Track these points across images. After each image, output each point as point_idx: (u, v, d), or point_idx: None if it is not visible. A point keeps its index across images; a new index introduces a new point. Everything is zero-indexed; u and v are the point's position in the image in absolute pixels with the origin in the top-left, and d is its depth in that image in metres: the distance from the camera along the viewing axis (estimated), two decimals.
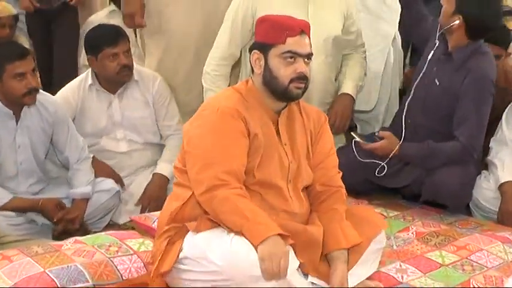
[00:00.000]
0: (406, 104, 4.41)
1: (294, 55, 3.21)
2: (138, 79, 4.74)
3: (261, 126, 3.25)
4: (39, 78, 4.32)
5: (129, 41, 4.67)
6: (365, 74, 4.79)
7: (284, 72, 3.21)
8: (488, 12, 4.16)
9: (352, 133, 4.47)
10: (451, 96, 4.24)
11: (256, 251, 2.96)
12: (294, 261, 3.09)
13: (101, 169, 4.64)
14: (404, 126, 4.30)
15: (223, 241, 3.06)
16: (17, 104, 4.19)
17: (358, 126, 5.43)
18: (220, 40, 4.54)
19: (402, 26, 5.06)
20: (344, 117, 4.62)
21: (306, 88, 3.28)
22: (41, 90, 4.29)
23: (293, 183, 3.35)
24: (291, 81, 3.22)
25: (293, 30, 3.22)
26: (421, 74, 4.34)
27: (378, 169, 4.30)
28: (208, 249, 3.09)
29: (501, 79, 4.75)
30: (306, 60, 3.25)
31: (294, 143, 3.37)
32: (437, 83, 4.30)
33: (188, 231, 3.20)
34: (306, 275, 3.25)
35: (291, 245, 3.11)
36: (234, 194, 3.07)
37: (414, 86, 4.38)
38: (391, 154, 4.26)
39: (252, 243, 2.98)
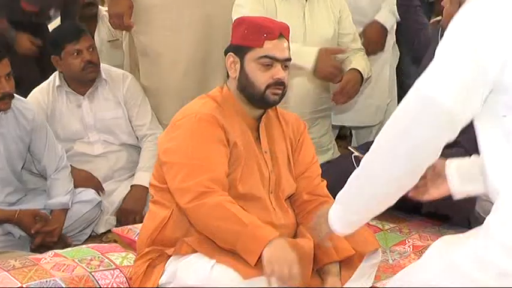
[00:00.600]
0: None
1: (271, 60, 3.12)
2: (107, 78, 4.71)
3: (240, 135, 3.17)
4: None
5: (92, 38, 4.68)
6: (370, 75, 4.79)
7: (261, 78, 3.12)
8: None
9: (350, 148, 4.48)
10: None
11: (261, 256, 2.83)
12: None
13: (79, 176, 4.54)
14: None
15: (203, 268, 2.97)
16: None
17: (353, 132, 5.51)
18: None
19: (400, 35, 5.08)
20: (352, 93, 4.60)
21: (283, 94, 3.19)
22: (19, 96, 4.22)
23: (274, 193, 3.27)
24: (268, 86, 3.12)
25: (271, 33, 3.12)
26: None
27: None
28: (187, 277, 3.02)
29: None
30: (284, 65, 3.15)
31: (274, 151, 3.29)
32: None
33: (170, 255, 3.14)
34: None
35: None
36: (226, 201, 2.97)
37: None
38: None
39: (252, 252, 2.85)
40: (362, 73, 4.59)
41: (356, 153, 4.26)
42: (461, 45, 2.10)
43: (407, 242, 4.06)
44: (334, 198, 2.89)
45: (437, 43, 4.24)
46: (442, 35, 4.18)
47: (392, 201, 2.28)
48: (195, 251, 3.02)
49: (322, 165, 3.58)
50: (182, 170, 3.02)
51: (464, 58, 2.09)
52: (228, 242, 2.92)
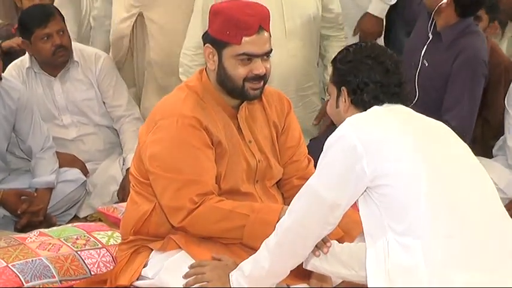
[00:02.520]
0: None
1: (249, 57, 3.00)
2: (79, 59, 4.65)
3: (222, 129, 3.09)
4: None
5: (63, 20, 4.57)
6: None
7: (239, 73, 3.01)
8: None
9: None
10: (441, 77, 4.24)
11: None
12: None
13: (63, 159, 4.54)
14: None
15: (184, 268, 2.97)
16: None
17: None
18: (193, 28, 4.47)
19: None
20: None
21: (264, 86, 3.09)
22: (5, 76, 4.20)
23: (261, 183, 3.21)
24: (245, 80, 3.02)
25: (250, 28, 2.96)
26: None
27: None
28: (171, 280, 3.01)
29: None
30: (264, 57, 3.04)
31: (258, 139, 3.21)
32: (426, 64, 4.27)
33: (155, 244, 3.14)
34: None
35: None
36: (216, 201, 2.96)
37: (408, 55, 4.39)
38: None
39: (264, 236, 2.82)
40: None
41: None
42: (336, 151, 2.57)
43: None
44: None
45: (425, 18, 4.26)
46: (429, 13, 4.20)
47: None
48: (179, 248, 3.01)
49: (308, 146, 3.55)
50: (171, 186, 2.97)
51: (340, 158, 2.54)
52: (234, 237, 2.95)
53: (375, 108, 2.65)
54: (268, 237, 2.76)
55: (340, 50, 4.47)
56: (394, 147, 2.49)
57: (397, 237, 2.43)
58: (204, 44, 3.07)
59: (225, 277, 2.84)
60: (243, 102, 3.15)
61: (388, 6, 4.86)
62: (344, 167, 2.53)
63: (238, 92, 3.05)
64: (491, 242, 2.48)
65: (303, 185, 3.16)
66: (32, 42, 4.44)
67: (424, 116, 2.72)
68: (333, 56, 4.16)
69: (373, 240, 2.53)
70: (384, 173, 2.48)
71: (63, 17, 4.56)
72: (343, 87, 2.72)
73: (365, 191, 2.55)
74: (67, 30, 4.56)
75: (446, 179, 2.52)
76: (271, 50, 3.06)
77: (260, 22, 2.98)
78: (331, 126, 4.20)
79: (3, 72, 4.21)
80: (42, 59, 4.52)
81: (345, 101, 2.72)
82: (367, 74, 2.69)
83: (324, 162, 2.60)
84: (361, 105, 2.69)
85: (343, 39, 4.76)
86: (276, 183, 3.29)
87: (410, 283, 2.37)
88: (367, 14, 4.90)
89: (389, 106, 2.66)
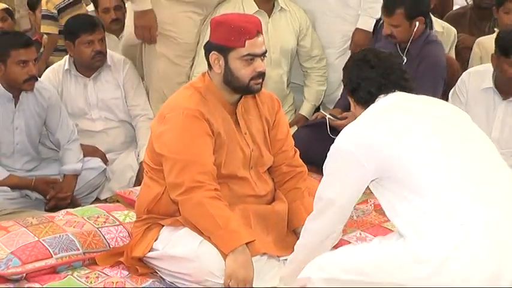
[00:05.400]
0: None
1: (253, 56, 3.18)
2: (110, 64, 4.81)
3: (222, 123, 3.25)
4: None
5: (104, 31, 4.72)
6: (325, 86, 5.15)
7: (245, 72, 3.18)
8: None
9: (321, 111, 4.60)
10: None
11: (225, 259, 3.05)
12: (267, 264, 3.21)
13: (86, 150, 4.66)
14: None
15: (192, 243, 3.12)
16: (17, 89, 4.20)
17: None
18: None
19: None
20: None
21: (262, 81, 3.28)
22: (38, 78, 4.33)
23: (255, 169, 3.37)
24: (252, 79, 3.20)
25: (250, 33, 3.16)
26: None
27: None
28: (176, 249, 3.16)
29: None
30: (262, 58, 3.23)
31: (252, 132, 3.37)
32: None
33: (165, 221, 3.26)
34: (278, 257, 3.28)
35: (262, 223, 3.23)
36: (208, 197, 3.09)
37: None
38: None
39: (222, 248, 3.05)
40: (307, 117, 5.08)
41: (328, 116, 4.42)
42: (336, 160, 2.77)
43: (369, 201, 4.06)
44: (305, 162, 3.40)
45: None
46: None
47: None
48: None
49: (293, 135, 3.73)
50: (175, 165, 3.12)
51: (343, 165, 2.73)
52: (205, 234, 3.10)
53: (368, 109, 2.82)
54: (225, 252, 3.01)
55: (319, 79, 4.85)
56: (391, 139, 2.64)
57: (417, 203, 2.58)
58: (209, 52, 3.22)
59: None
60: (240, 100, 3.31)
61: (375, 20, 4.93)
62: (345, 171, 2.73)
63: (243, 89, 3.23)
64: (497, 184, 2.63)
65: (291, 171, 3.36)
66: (76, 45, 4.60)
67: (424, 96, 2.89)
68: (312, 85, 4.51)
69: (396, 213, 2.67)
70: (386, 167, 2.65)
71: (104, 28, 4.73)
72: (347, 92, 2.94)
73: (373, 181, 2.73)
74: (105, 39, 4.70)
75: (448, 147, 2.65)
76: (267, 50, 3.26)
77: (257, 28, 3.18)
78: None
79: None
80: (81, 61, 4.68)
81: (353, 103, 2.92)
82: (356, 74, 2.88)
83: (327, 172, 2.80)
84: (361, 102, 2.88)
85: (322, 68, 5.04)
86: (268, 169, 3.45)
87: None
88: (357, 29, 5.00)
89: (386, 98, 2.83)
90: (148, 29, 4.68)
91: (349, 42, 5.09)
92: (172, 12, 4.78)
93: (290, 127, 4.79)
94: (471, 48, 5.14)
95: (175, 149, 3.14)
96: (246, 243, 3.06)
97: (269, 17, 4.91)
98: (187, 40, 4.87)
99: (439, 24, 5.19)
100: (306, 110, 5.16)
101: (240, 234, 3.06)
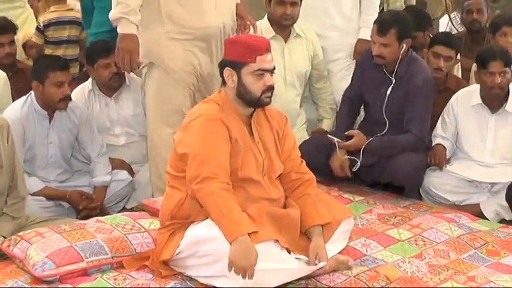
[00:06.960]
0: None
1: (263, 71, 3.33)
2: (130, 84, 4.91)
3: (238, 132, 3.37)
4: None
5: None
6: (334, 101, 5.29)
7: (256, 87, 3.32)
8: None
9: (329, 136, 4.65)
10: (404, 99, 4.47)
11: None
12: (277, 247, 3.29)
13: (114, 163, 4.79)
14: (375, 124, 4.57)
15: (213, 227, 3.21)
16: (52, 107, 4.37)
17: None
18: None
19: None
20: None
21: (272, 95, 3.40)
22: None
23: (267, 175, 3.48)
24: (263, 92, 3.34)
25: (261, 50, 3.33)
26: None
27: (354, 165, 4.51)
28: (198, 230, 3.26)
29: (453, 81, 4.99)
30: (271, 73, 3.38)
31: (264, 141, 3.48)
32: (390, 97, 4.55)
33: (188, 226, 3.34)
34: (289, 252, 3.36)
35: (274, 224, 3.32)
36: (219, 189, 3.20)
37: (370, 97, 4.67)
38: (362, 148, 4.47)
39: (226, 236, 3.15)
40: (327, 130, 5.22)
41: (335, 139, 4.49)
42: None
43: (373, 210, 4.20)
44: (313, 171, 3.54)
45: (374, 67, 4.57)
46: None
47: None
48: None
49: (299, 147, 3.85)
50: (196, 159, 3.24)
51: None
52: (214, 222, 3.21)
53: None
54: (228, 241, 3.09)
55: (329, 99, 5.08)
56: None
57: None
58: (223, 68, 3.38)
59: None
60: (254, 112, 3.45)
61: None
62: None
63: (255, 102, 3.37)
64: None
65: (299, 178, 3.51)
66: (95, 68, 4.75)
67: None
68: (325, 105, 5.09)
69: None
70: None
71: None
72: None
73: None
74: None
75: None
76: (275, 67, 3.41)
77: (266, 46, 3.37)
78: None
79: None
80: (101, 81, 4.81)
81: None
82: None
83: None
84: None
85: (328, 86, 5.29)
86: (278, 177, 3.55)
87: None
88: (359, 40, 5.14)
89: None
90: (129, 54, 4.24)
91: (352, 53, 5.25)
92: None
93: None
94: (469, 70, 5.23)
95: (196, 146, 3.27)
96: (249, 234, 3.15)
97: (285, 42, 5.08)
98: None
99: None
100: (326, 125, 5.32)
101: (240, 224, 3.15)
